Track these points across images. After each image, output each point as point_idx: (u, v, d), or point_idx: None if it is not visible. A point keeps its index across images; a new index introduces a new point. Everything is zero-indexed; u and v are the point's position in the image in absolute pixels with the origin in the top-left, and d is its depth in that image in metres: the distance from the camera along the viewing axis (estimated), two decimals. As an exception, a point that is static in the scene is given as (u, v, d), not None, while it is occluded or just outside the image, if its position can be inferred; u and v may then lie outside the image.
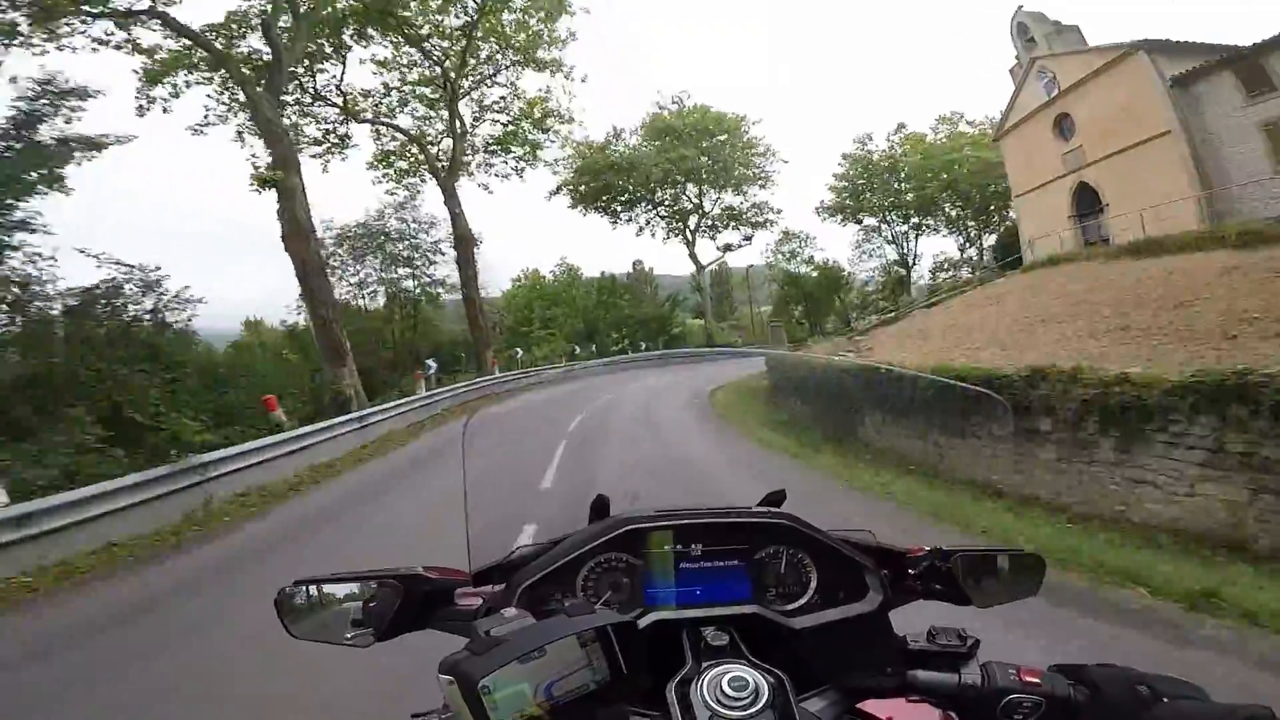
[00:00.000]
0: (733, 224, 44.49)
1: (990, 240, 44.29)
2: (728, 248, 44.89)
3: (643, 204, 43.84)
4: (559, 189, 41.31)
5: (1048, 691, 0.65)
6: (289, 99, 21.29)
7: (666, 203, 43.62)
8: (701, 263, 44.30)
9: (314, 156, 24.07)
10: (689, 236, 43.70)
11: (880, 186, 46.16)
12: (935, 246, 51.22)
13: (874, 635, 0.78)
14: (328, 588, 0.82)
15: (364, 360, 19.42)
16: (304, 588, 0.82)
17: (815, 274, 50.81)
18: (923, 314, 21.48)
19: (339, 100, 23.63)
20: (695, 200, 43.44)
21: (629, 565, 0.82)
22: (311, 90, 22.92)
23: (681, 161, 39.80)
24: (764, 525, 0.84)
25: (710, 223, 44.28)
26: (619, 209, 43.64)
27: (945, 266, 47.11)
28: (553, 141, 29.54)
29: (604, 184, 40.73)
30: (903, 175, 44.52)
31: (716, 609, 0.77)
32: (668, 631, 0.75)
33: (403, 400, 16.76)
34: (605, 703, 0.59)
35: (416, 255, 28.47)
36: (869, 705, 0.73)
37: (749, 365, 18.02)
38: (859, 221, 49.17)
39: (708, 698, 0.61)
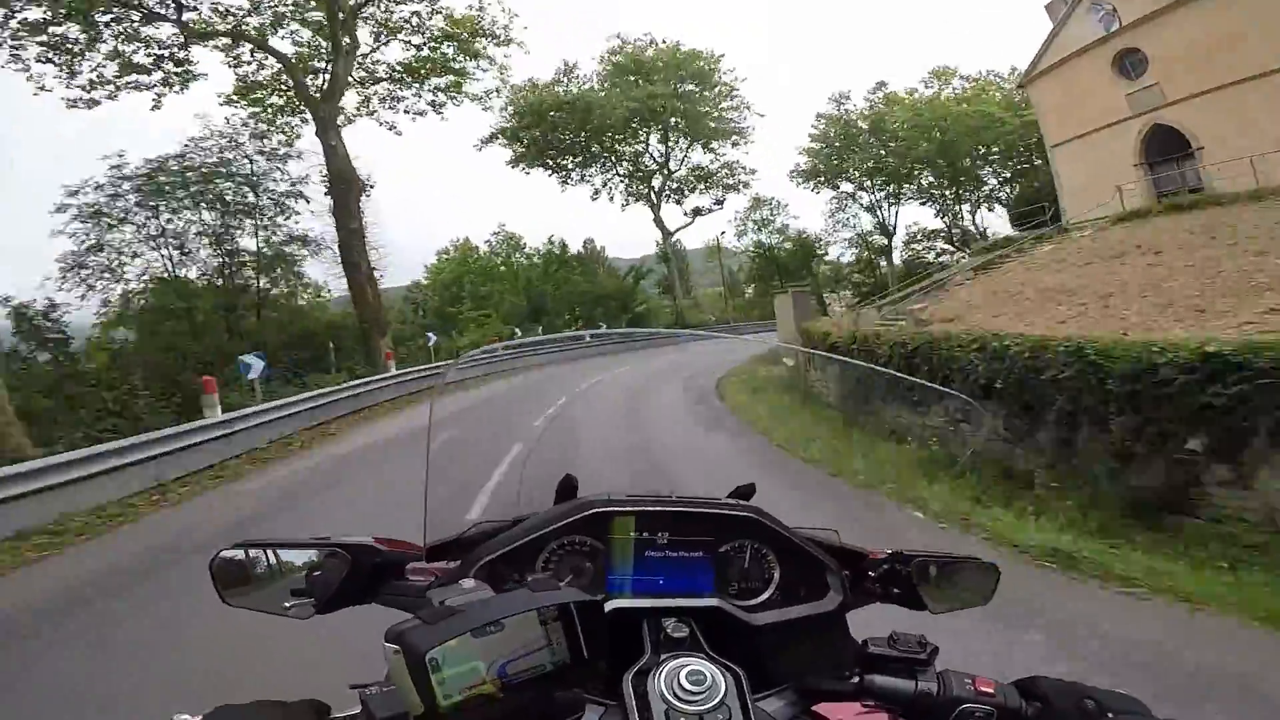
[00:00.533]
0: (702, 185, 39.02)
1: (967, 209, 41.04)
2: (696, 212, 39.41)
3: (599, 162, 37.63)
4: (493, 137, 34.16)
5: (1000, 703, 0.64)
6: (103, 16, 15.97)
7: (628, 160, 37.60)
8: (669, 229, 38.61)
9: (142, 89, 17.80)
10: (654, 199, 37.91)
11: (862, 147, 41.47)
12: (908, 216, 47.25)
13: (831, 636, 0.78)
14: (270, 554, 0.77)
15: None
16: (243, 551, 0.77)
17: (789, 245, 46.42)
18: (972, 281, 16.86)
19: (176, 14, 17.36)
20: (660, 157, 37.62)
21: (592, 549, 0.78)
22: (140, 6, 16.52)
23: (650, 101, 33.49)
24: (731, 518, 0.81)
25: (676, 185, 38.73)
26: (570, 165, 37.20)
27: (919, 237, 43.56)
28: (485, 70, 22.78)
29: (551, 127, 33.85)
30: (888, 135, 40.06)
31: (678, 600, 0.76)
32: (627, 620, 0.73)
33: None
34: (562, 686, 0.55)
35: (263, 202, 20.62)
36: (824, 708, 0.72)
37: (732, 351, 14.04)
38: (835, 187, 44.85)
39: (664, 690, 0.59)
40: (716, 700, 0.58)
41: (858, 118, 41.72)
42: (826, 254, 46.56)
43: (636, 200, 39.12)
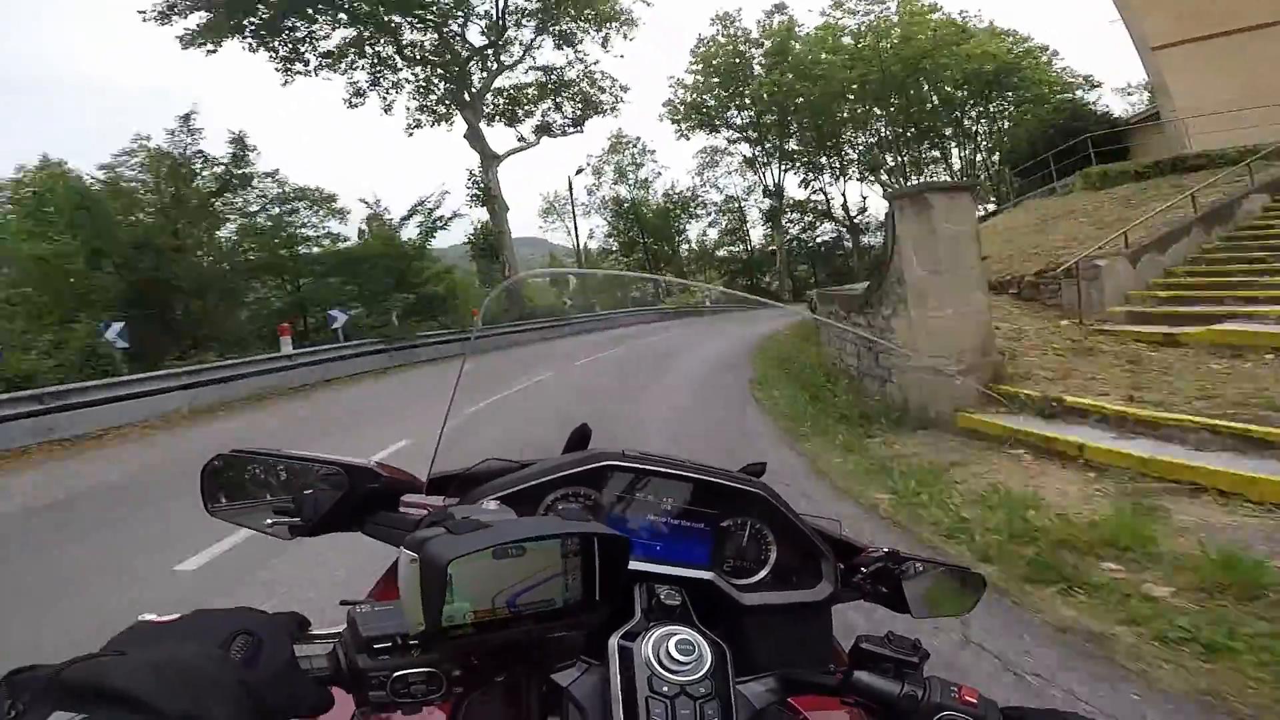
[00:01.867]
0: (555, 96, 25.67)
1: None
2: (544, 131, 25.97)
3: (374, 42, 22.57)
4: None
5: (980, 715, 0.62)
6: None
7: (424, 45, 22.97)
8: (496, 153, 24.53)
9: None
10: (476, 109, 23.54)
11: (758, 82, 31.60)
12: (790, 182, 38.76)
13: (815, 625, 0.77)
14: (261, 463, 0.75)
15: None
16: (235, 460, 0.75)
17: (659, 204, 35.63)
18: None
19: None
20: (485, 39, 23.43)
21: (595, 503, 0.76)
22: None
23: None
24: (739, 493, 0.79)
25: (509, 95, 25.02)
26: (299, 37, 21.39)
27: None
28: None
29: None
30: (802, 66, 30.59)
31: (674, 568, 0.74)
32: (627, 573, 0.69)
33: None
34: (564, 627, 0.53)
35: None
36: (802, 701, 0.71)
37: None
38: (716, 130, 34.74)
39: (651, 656, 0.58)
40: (701, 673, 0.58)
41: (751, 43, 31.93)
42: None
43: (438, 121, 24.57)
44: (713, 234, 38.51)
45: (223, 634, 0.45)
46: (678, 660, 0.58)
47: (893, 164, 33.95)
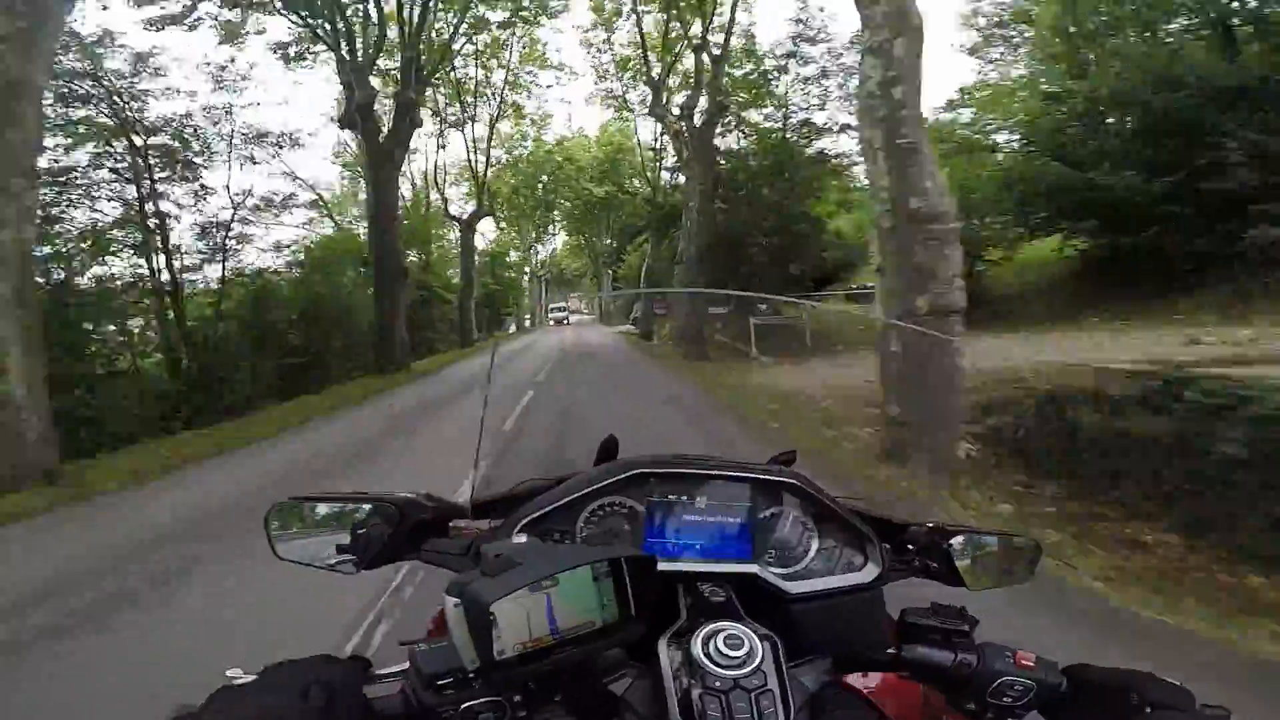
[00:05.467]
0: None
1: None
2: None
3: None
4: None
5: (1040, 678, 0.64)
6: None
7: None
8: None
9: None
10: None
11: None
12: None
13: (868, 607, 0.75)
14: (321, 507, 0.79)
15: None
16: (297, 505, 0.79)
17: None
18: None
19: None
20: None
21: (632, 511, 0.78)
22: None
23: None
24: (772, 484, 0.79)
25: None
26: None
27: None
28: None
29: None
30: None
31: (715, 565, 0.75)
32: (663, 584, 0.70)
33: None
34: (608, 644, 0.56)
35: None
36: (856, 678, 0.74)
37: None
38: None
39: (701, 654, 0.59)
40: (753, 666, 0.58)
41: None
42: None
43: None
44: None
45: (299, 686, 0.50)
46: (728, 655, 0.58)
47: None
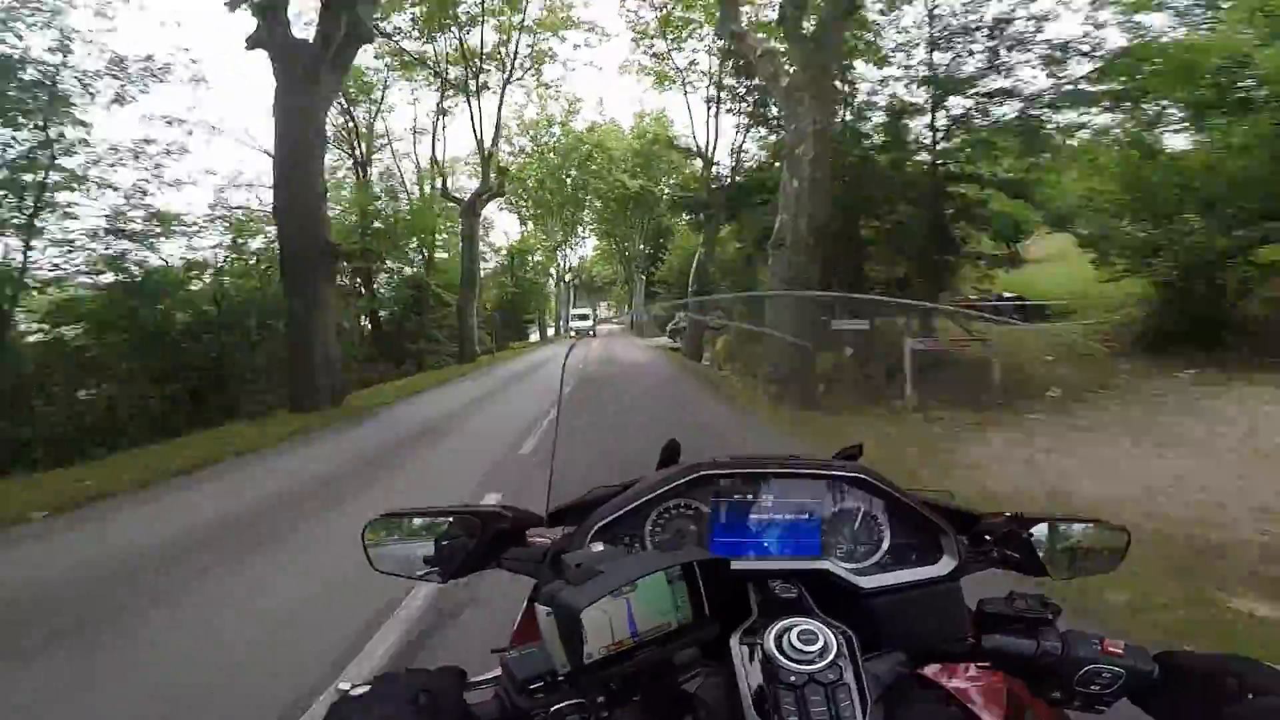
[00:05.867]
0: None
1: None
2: None
3: None
4: None
5: (1129, 665, 0.63)
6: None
7: None
8: None
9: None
10: None
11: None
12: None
13: (945, 600, 0.74)
14: (410, 521, 0.83)
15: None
16: (387, 520, 0.83)
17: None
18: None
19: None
20: None
21: (698, 512, 0.80)
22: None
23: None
24: (839, 479, 0.80)
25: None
26: None
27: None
28: None
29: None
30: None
31: (785, 562, 0.76)
32: (733, 583, 0.72)
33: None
34: (684, 644, 0.59)
35: None
36: (935, 670, 0.73)
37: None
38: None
39: (774, 649, 0.59)
40: (828, 660, 0.57)
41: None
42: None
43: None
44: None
45: (409, 694, 0.54)
46: (801, 650, 0.57)
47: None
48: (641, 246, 38.98)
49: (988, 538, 0.80)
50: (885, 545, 0.78)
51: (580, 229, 44.31)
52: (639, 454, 1.05)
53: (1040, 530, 0.77)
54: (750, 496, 0.78)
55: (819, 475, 0.78)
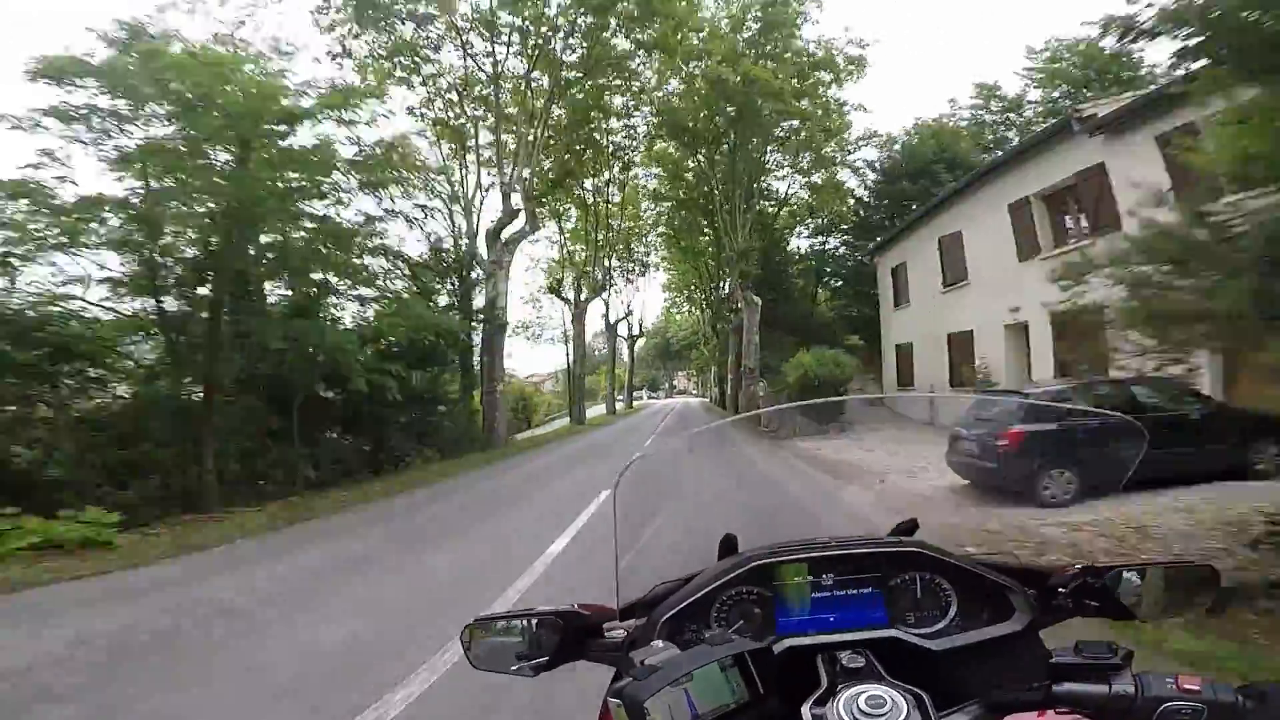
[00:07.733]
0: None
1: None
2: None
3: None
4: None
5: (1209, 699, 0.62)
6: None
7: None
8: None
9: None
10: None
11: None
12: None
13: (1022, 654, 0.78)
14: (500, 623, 0.93)
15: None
16: (481, 623, 0.93)
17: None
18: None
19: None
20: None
21: (760, 597, 0.88)
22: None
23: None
24: (895, 555, 0.84)
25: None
26: None
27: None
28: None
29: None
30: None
31: (853, 634, 0.81)
32: (802, 657, 0.79)
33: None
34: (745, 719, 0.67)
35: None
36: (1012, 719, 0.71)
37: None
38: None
39: (844, 715, 0.63)
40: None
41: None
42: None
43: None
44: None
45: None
46: (870, 714, 0.62)
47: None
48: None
49: (1061, 590, 0.82)
50: (953, 610, 0.82)
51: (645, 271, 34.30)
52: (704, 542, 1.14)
53: (1126, 576, 0.79)
54: (809, 577, 0.84)
55: (874, 553, 0.82)
